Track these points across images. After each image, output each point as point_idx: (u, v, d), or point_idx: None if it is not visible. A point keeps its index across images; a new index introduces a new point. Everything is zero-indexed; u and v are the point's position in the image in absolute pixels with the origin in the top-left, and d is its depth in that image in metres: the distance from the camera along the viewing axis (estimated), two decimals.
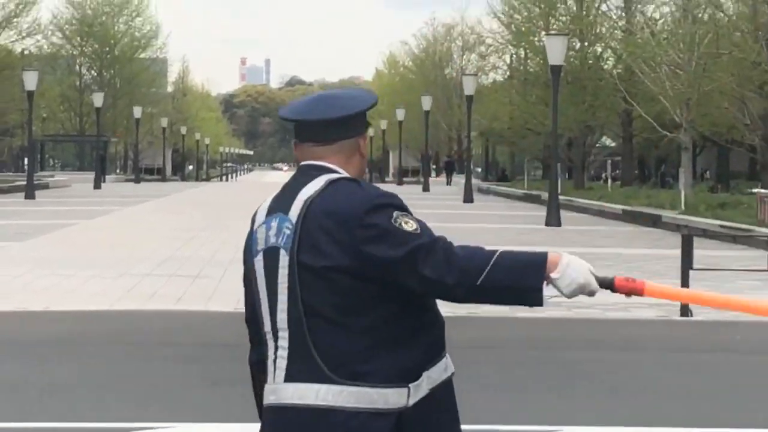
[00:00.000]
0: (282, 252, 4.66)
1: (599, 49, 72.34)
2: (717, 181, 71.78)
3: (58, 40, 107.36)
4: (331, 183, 4.70)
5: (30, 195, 58.84)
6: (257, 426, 4.79)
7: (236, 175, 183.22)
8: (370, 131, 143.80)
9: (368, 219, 4.56)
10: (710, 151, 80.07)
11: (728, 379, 14.80)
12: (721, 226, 36.84)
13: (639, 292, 4.86)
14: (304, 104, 4.88)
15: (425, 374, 4.67)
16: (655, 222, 43.57)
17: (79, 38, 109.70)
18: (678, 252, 20.72)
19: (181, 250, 30.05)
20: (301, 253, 4.62)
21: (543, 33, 65.38)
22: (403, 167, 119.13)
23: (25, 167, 68.68)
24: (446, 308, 15.93)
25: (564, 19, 71.69)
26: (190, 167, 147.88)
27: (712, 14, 54.76)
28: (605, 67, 71.22)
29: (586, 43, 71.23)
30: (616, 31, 69.55)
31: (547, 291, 4.60)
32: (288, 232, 4.66)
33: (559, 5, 73.50)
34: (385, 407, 4.57)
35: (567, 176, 76.17)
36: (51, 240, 33.05)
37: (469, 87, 71.30)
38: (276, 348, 4.67)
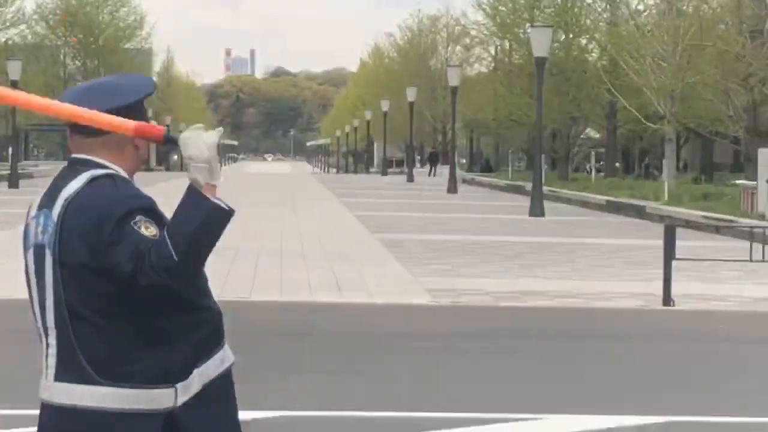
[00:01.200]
0: (47, 251, 4.56)
1: (584, 41, 72.44)
2: (701, 173, 71.83)
3: (44, 30, 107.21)
4: (90, 181, 4.58)
5: (14, 184, 58.94)
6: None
7: (221, 165, 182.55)
8: (355, 122, 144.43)
9: (114, 222, 4.44)
10: (694, 143, 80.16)
11: (709, 368, 14.88)
12: (704, 217, 36.93)
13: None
14: (76, 93, 4.74)
15: (196, 371, 4.59)
16: (638, 213, 43.64)
17: (64, 28, 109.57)
18: (661, 242, 20.78)
19: None
20: (61, 253, 4.53)
21: (528, 25, 65.43)
22: (388, 158, 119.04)
23: (9, 157, 68.39)
24: (428, 299, 15.97)
25: (549, 11, 71.72)
26: (175, 157, 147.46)
27: (696, 6, 54.82)
28: (590, 59, 71.31)
29: (570, 35, 71.29)
30: (600, 23, 69.64)
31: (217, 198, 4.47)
32: (50, 230, 4.56)
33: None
34: (151, 408, 4.51)
35: (551, 167, 76.17)
36: None
37: (453, 78, 71.33)
38: (47, 345, 4.60)
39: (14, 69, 69.15)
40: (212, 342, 4.68)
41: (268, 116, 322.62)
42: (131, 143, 4.69)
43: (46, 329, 4.59)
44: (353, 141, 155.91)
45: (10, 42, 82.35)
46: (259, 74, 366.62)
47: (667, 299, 19.90)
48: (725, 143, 63.96)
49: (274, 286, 21.55)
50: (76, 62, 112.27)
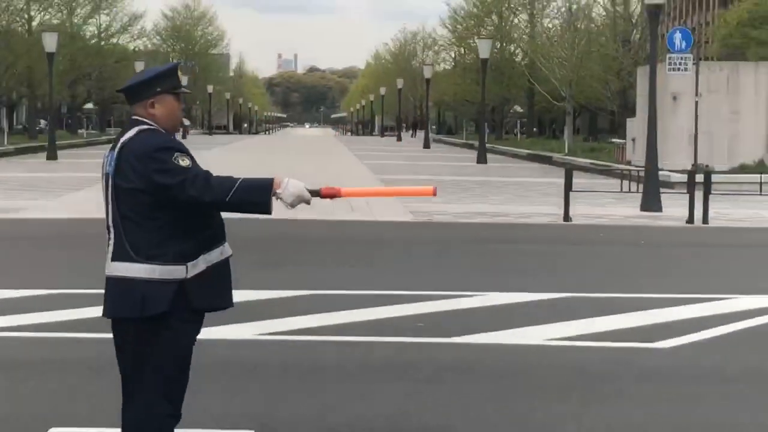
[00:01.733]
0: (110, 176, 4.74)
1: (513, 48, 72.13)
2: (589, 135, 71.81)
3: (158, 41, 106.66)
4: (139, 131, 4.73)
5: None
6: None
7: (274, 130, 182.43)
8: (363, 102, 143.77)
9: (156, 155, 4.61)
10: (584, 115, 79.86)
11: (595, 261, 14.85)
12: (591, 164, 36.85)
13: (338, 194, 4.91)
14: (127, 81, 4.93)
15: (202, 256, 4.74)
16: (548, 161, 43.53)
17: (171, 40, 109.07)
18: (563, 180, 20.72)
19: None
20: (117, 178, 4.69)
21: (476, 37, 65.10)
22: (384, 125, 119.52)
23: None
24: (411, 217, 15.72)
25: (490, 28, 71.42)
26: (245, 125, 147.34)
27: (586, 25, 54.60)
28: (516, 60, 71.03)
29: (504, 44, 70.96)
30: (524, 36, 69.33)
31: (277, 200, 4.70)
32: (113, 163, 4.72)
33: (486, 19, 73.32)
34: (169, 277, 4.66)
35: (491, 131, 75.96)
36: None
37: (427, 73, 71.54)
38: (109, 238, 4.77)
39: (139, 66, 68.74)
40: (215, 239, 4.82)
41: (306, 98, 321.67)
42: (162, 106, 4.81)
43: (108, 227, 4.78)
44: (362, 114, 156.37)
45: (136, 50, 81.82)
46: (300, 70, 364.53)
47: (566, 217, 19.88)
48: (605, 115, 64.08)
49: (307, 209, 21.47)
50: (181, 62, 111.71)
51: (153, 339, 4.71)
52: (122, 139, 4.74)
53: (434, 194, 5.03)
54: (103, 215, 4.85)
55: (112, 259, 4.73)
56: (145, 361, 4.75)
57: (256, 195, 4.67)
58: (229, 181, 4.64)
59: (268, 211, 4.69)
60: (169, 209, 4.65)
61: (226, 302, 4.92)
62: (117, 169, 4.70)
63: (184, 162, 4.63)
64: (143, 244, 4.66)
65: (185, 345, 4.83)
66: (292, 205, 4.74)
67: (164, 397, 4.77)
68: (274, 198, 4.69)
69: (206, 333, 8.46)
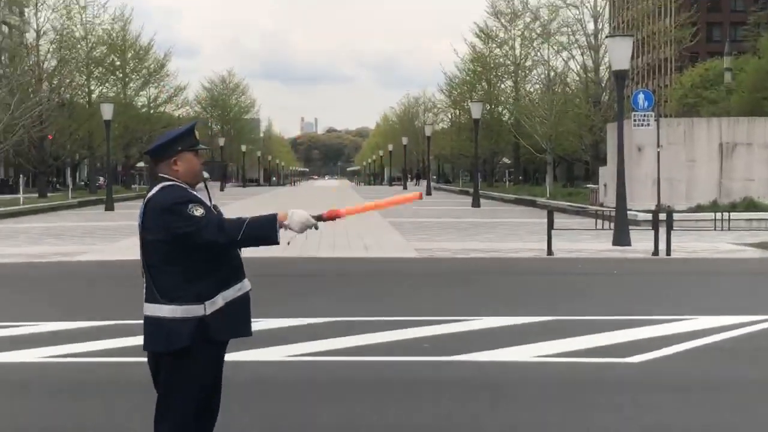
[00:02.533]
0: (139, 228, 4.72)
1: (500, 109, 72.36)
2: (567, 181, 71.77)
3: (199, 109, 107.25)
4: (162, 188, 4.69)
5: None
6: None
7: (299, 182, 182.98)
8: (373, 157, 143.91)
9: (174, 208, 4.58)
10: (563, 165, 79.94)
11: (576, 289, 14.78)
12: (569, 205, 36.79)
13: (339, 215, 4.83)
14: (151, 143, 4.96)
15: (220, 294, 4.67)
16: (532, 204, 43.47)
17: (210, 108, 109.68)
18: (545, 220, 20.67)
19: None
20: (144, 230, 4.68)
21: (469, 101, 65.30)
22: (392, 176, 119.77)
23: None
24: (416, 254, 15.60)
25: (480, 93, 71.63)
26: (273, 178, 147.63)
27: (563, 89, 54.72)
28: (504, 119, 71.23)
29: (493, 106, 71.18)
30: (509, 99, 69.48)
31: (286, 235, 4.68)
32: (141, 216, 4.71)
33: (477, 85, 73.53)
34: (188, 316, 4.61)
35: (483, 179, 76.04)
36: None
37: (428, 131, 71.56)
38: (144, 282, 4.73)
39: None
40: (231, 278, 4.74)
41: (325, 155, 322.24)
42: (182, 162, 4.76)
43: (142, 272, 4.74)
44: (373, 167, 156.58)
45: (180, 116, 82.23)
46: (319, 131, 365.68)
47: (549, 251, 19.82)
48: (580, 164, 64.06)
49: (330, 247, 21.46)
50: (218, 127, 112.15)
51: (181, 369, 4.69)
52: (148, 195, 4.72)
53: (421, 197, 5.15)
54: None
55: (145, 300, 4.72)
56: (174, 387, 4.72)
57: (264, 229, 4.61)
58: (239, 221, 4.61)
59: (277, 242, 4.62)
60: (185, 256, 4.61)
61: (244, 332, 4.86)
62: (143, 222, 4.70)
63: (198, 211, 4.59)
64: (167, 287, 4.63)
65: (210, 372, 4.79)
66: (301, 231, 4.67)
67: (194, 419, 4.73)
68: (282, 229, 4.64)
69: (238, 356, 8.47)
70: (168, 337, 4.61)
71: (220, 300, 4.67)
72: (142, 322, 4.77)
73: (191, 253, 4.59)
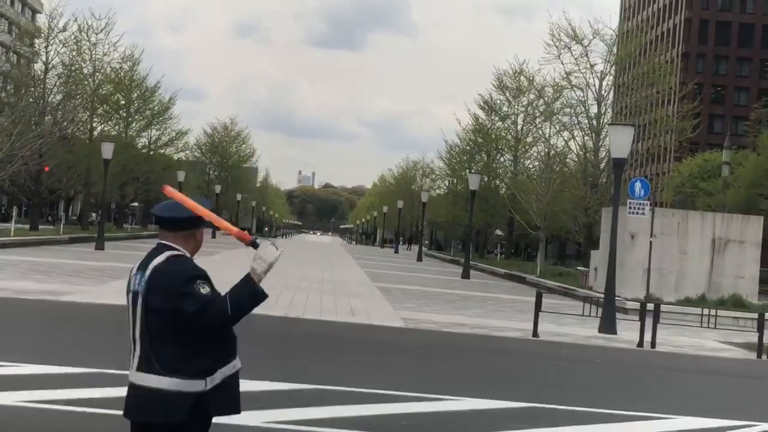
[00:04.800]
0: (140, 296, 4.66)
1: (498, 182, 72.69)
2: (558, 260, 71.91)
3: (198, 154, 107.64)
4: (169, 257, 4.67)
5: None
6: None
7: (291, 235, 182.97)
8: (368, 217, 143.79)
9: (183, 283, 4.56)
10: (555, 242, 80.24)
11: (558, 373, 14.77)
12: (559, 286, 36.84)
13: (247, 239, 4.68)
14: (165, 207, 4.81)
15: (219, 371, 4.68)
16: (522, 280, 43.51)
17: (209, 154, 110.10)
18: (533, 299, 20.71)
19: None
20: (147, 300, 4.62)
21: (467, 171, 65.68)
22: (385, 238, 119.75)
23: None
24: (402, 323, 15.54)
25: (479, 164, 72.05)
26: (266, 229, 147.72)
27: (560, 168, 55.10)
28: (500, 192, 71.53)
29: (490, 178, 71.53)
30: (508, 174, 69.89)
31: (271, 254, 4.62)
32: (143, 284, 4.65)
33: (476, 156, 74.02)
34: (190, 390, 4.59)
35: (475, 250, 76.16)
36: None
37: (424, 197, 72.04)
38: (134, 349, 4.69)
39: (181, 175, 69.54)
40: (230, 354, 4.77)
41: (319, 210, 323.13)
42: (194, 237, 4.83)
43: (134, 340, 4.70)
44: (366, 227, 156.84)
45: (179, 160, 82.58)
46: (316, 185, 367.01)
47: (535, 333, 19.83)
48: (573, 244, 64.19)
49: (316, 310, 21.42)
50: (215, 173, 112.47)
51: None
52: (153, 264, 4.67)
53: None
54: None
55: (138, 369, 4.65)
56: None
57: (246, 291, 4.60)
58: (223, 298, 4.58)
59: (265, 294, 4.64)
60: (193, 330, 4.59)
61: (236, 409, 4.85)
62: (148, 290, 4.63)
63: (205, 290, 4.58)
64: (169, 359, 4.58)
65: None
66: (267, 272, 4.65)
67: None
68: (258, 275, 4.63)
69: (216, 419, 8.45)
70: (166, 410, 4.57)
71: (219, 376, 4.68)
72: (121, 374, 4.75)
73: (196, 328, 4.59)
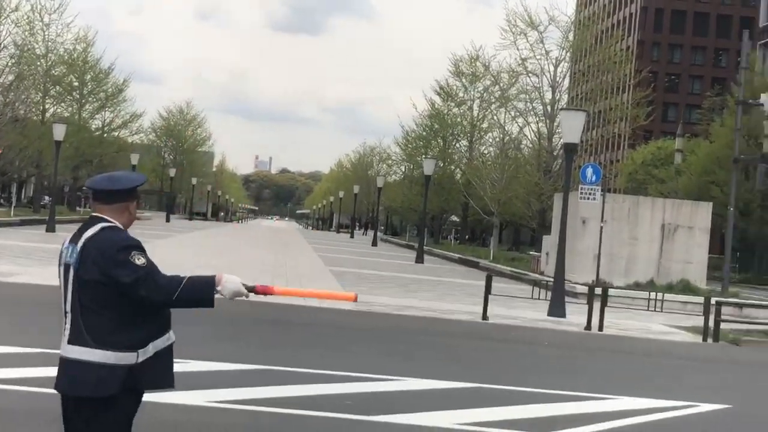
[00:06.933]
0: (72, 268, 4.60)
1: (453, 168, 72.93)
2: (512, 245, 72.34)
3: (153, 137, 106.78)
4: (102, 229, 4.63)
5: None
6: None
7: (247, 220, 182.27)
8: (324, 202, 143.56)
9: (116, 252, 4.53)
10: (510, 228, 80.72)
11: (506, 356, 14.86)
12: (511, 271, 37.08)
13: (271, 292, 4.85)
14: (99, 179, 4.78)
15: (152, 343, 4.63)
16: (475, 265, 43.73)
17: (165, 137, 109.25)
18: (484, 283, 20.83)
19: (212, 259, 29.86)
20: (80, 271, 4.56)
21: (423, 156, 65.79)
22: (341, 223, 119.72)
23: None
24: (354, 306, 15.54)
25: (435, 150, 72.19)
26: (221, 213, 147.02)
27: (515, 154, 55.39)
28: (455, 177, 71.80)
29: (446, 164, 71.73)
30: (463, 159, 70.12)
31: (218, 295, 4.64)
32: (75, 256, 4.59)
33: (432, 142, 74.09)
34: (120, 363, 4.53)
35: (430, 235, 76.43)
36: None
37: (380, 182, 72.00)
38: (65, 321, 4.63)
39: (134, 158, 68.94)
40: (163, 327, 4.71)
41: (276, 195, 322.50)
42: (128, 209, 4.77)
43: (66, 313, 4.62)
44: (322, 212, 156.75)
45: (134, 143, 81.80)
46: (273, 170, 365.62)
47: (484, 316, 19.94)
48: (526, 230, 64.62)
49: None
50: (170, 157, 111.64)
51: (99, 414, 4.60)
52: (86, 235, 4.61)
53: (355, 300, 5.06)
54: None
55: (69, 342, 4.58)
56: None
57: (201, 292, 4.59)
58: (176, 280, 4.55)
59: (212, 305, 4.62)
60: (124, 302, 4.53)
61: (169, 383, 4.79)
62: (80, 262, 4.56)
63: (140, 260, 4.53)
64: (100, 331, 4.52)
65: (126, 420, 4.73)
66: (231, 298, 4.70)
67: None
68: (215, 294, 4.63)
69: (156, 397, 8.41)
70: (97, 383, 4.51)
71: (151, 349, 4.62)
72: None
73: (130, 299, 4.54)
